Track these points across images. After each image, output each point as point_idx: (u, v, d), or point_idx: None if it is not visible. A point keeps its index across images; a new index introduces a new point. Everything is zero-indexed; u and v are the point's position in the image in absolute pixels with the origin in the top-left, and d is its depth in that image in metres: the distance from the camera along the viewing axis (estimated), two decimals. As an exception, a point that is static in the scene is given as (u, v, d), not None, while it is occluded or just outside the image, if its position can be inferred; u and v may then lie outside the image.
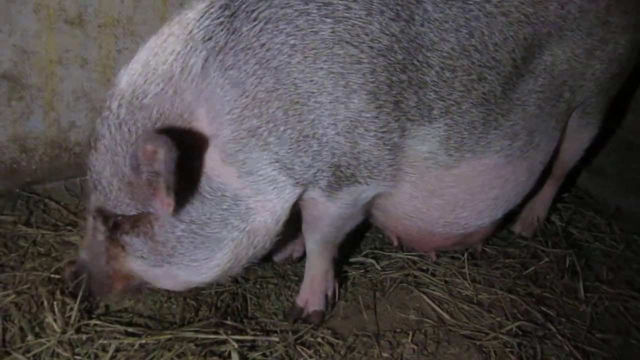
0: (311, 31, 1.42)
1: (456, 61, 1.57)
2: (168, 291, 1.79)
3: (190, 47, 1.41)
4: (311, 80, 1.44)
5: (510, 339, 1.80)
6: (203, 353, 1.55)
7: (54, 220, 2.06)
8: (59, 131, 2.16)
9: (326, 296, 1.84)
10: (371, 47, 1.46)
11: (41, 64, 2.02)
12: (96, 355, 1.53)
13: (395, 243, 2.08)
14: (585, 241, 2.42)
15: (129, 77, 1.43)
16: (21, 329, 1.57)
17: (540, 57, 1.73)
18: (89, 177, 1.50)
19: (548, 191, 2.36)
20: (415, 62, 1.53)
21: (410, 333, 1.78)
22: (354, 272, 2.04)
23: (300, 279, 1.92)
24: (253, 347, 1.64)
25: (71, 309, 1.62)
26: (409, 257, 2.15)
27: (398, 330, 1.82)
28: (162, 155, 1.27)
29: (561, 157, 2.19)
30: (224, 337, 1.61)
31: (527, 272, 2.15)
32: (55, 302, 1.65)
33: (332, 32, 1.43)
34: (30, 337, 1.55)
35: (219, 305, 1.79)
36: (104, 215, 1.51)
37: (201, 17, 1.42)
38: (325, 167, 1.53)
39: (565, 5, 1.72)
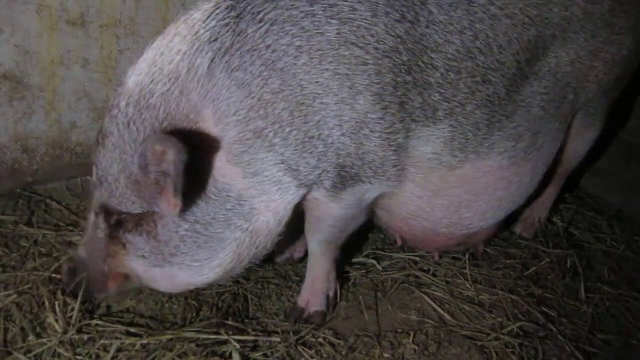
0: (317, 32, 1.43)
1: (461, 63, 1.58)
2: (169, 291, 1.79)
3: (196, 48, 1.41)
4: (317, 82, 1.44)
5: (511, 340, 1.80)
6: (204, 353, 1.55)
7: (55, 220, 2.06)
8: (60, 131, 2.16)
9: (327, 296, 1.84)
10: (376, 49, 1.47)
11: (43, 64, 2.02)
12: (97, 356, 1.53)
13: (400, 243, 2.08)
14: (586, 242, 2.42)
15: (136, 76, 1.44)
16: (22, 329, 1.57)
17: (544, 59, 1.74)
18: (95, 173, 1.50)
19: (550, 192, 2.36)
20: (420, 64, 1.53)
21: (412, 333, 1.78)
22: (355, 273, 2.04)
23: (301, 279, 1.92)
24: (254, 348, 1.64)
25: (72, 309, 1.62)
26: (410, 257, 2.15)
27: (399, 330, 1.81)
28: (172, 157, 1.28)
29: (563, 157, 2.19)
30: (225, 337, 1.61)
31: (528, 272, 2.15)
32: (56, 302, 1.65)
33: (338, 33, 1.44)
34: (31, 337, 1.55)
35: (220, 305, 1.79)
36: (107, 212, 1.51)
37: (207, 17, 1.42)
38: (330, 167, 1.54)
39: (569, 7, 1.72)
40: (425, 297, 1.96)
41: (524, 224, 2.40)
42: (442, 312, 1.90)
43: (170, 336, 1.60)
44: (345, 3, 1.44)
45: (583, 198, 2.75)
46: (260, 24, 1.42)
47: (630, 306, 2.06)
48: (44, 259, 1.86)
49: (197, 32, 1.42)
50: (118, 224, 1.52)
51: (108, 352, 1.53)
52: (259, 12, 1.42)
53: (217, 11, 1.42)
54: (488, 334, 1.82)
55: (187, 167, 1.31)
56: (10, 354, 1.50)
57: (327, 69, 1.44)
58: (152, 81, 1.42)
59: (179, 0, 2.20)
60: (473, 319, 1.90)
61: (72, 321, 1.59)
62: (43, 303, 1.64)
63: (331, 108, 1.47)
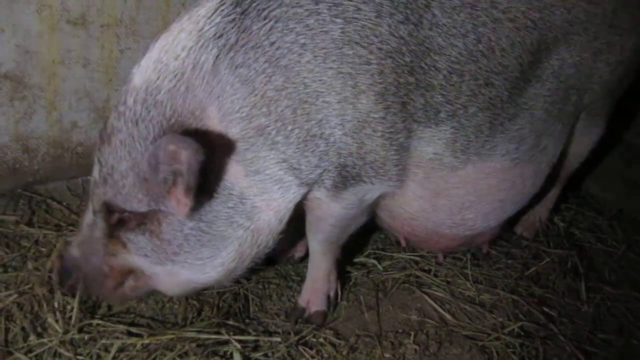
0: (321, 31, 1.43)
1: (463, 66, 1.58)
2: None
3: (201, 44, 1.41)
4: (320, 80, 1.44)
5: (512, 340, 1.80)
6: (205, 353, 1.55)
7: (56, 221, 2.06)
8: (61, 131, 2.16)
9: (328, 297, 1.84)
10: (380, 49, 1.47)
11: (43, 64, 2.02)
12: (98, 356, 1.53)
13: (404, 244, 2.09)
14: (587, 242, 2.42)
15: (142, 73, 1.43)
16: (23, 329, 1.57)
17: (547, 61, 1.74)
18: (99, 171, 1.48)
19: (551, 192, 2.36)
20: (423, 65, 1.53)
21: (412, 333, 1.78)
22: (356, 273, 2.04)
23: (302, 279, 1.92)
24: (255, 348, 1.64)
25: (73, 309, 1.62)
26: (411, 257, 2.15)
27: (400, 330, 1.82)
28: (185, 157, 1.27)
29: (566, 159, 2.19)
30: (226, 337, 1.61)
31: (529, 272, 2.15)
32: (57, 302, 1.65)
33: (342, 32, 1.44)
34: (32, 337, 1.54)
35: (221, 305, 1.79)
36: (110, 210, 1.50)
37: (212, 14, 1.42)
38: (331, 167, 1.53)
39: (571, 9, 1.72)
40: (426, 297, 1.96)
41: (525, 224, 2.40)
42: (443, 312, 1.91)
43: (172, 336, 1.59)
44: (350, 3, 1.44)
45: (584, 198, 2.75)
46: (265, 21, 1.42)
47: (631, 306, 2.06)
48: (45, 259, 1.85)
49: (202, 29, 1.41)
50: (120, 222, 1.51)
51: (109, 352, 1.53)
52: (264, 9, 1.42)
53: (223, 7, 1.42)
54: (489, 334, 1.82)
55: (201, 167, 1.30)
56: (11, 354, 1.50)
57: (331, 68, 1.44)
58: (158, 78, 1.41)
59: (180, 0, 2.20)
60: (474, 319, 1.90)
61: (73, 321, 1.59)
62: (44, 303, 1.64)
63: (334, 107, 1.47)
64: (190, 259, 1.53)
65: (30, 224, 2.01)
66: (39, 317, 1.62)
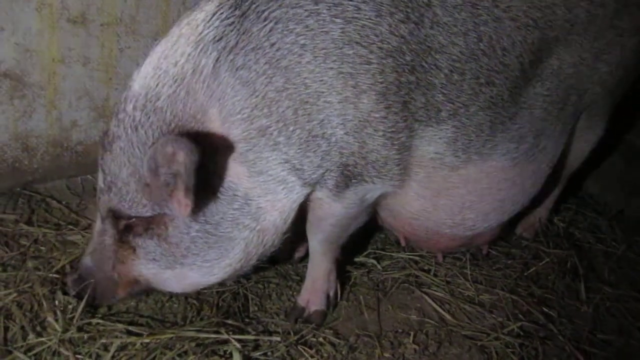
0: (321, 31, 1.43)
1: (464, 65, 1.58)
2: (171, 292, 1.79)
3: (201, 48, 1.41)
4: (321, 80, 1.44)
5: (511, 340, 1.80)
6: (205, 352, 1.55)
7: (56, 219, 2.06)
8: (60, 130, 2.16)
9: (328, 296, 1.84)
10: (380, 48, 1.47)
11: (43, 63, 2.02)
12: (98, 355, 1.53)
13: (404, 244, 2.09)
14: (586, 242, 2.42)
15: (141, 79, 1.44)
16: (22, 328, 1.57)
17: (547, 61, 1.74)
18: (103, 179, 1.50)
19: (551, 193, 2.36)
20: (424, 64, 1.53)
21: (412, 333, 1.78)
22: (355, 272, 2.04)
23: (301, 278, 1.92)
24: (255, 347, 1.64)
25: (74, 309, 1.61)
26: (411, 257, 2.15)
27: (400, 330, 1.82)
28: (182, 158, 1.28)
29: (566, 159, 2.19)
30: (225, 336, 1.61)
31: (528, 272, 2.15)
32: (56, 301, 1.65)
33: (342, 32, 1.44)
34: (31, 336, 1.54)
35: (220, 305, 1.79)
36: (116, 216, 1.51)
37: (211, 17, 1.42)
38: (333, 167, 1.54)
39: (572, 9, 1.72)
40: (426, 297, 1.96)
41: (524, 224, 2.40)
42: (442, 312, 1.91)
43: (171, 335, 1.59)
44: (350, 2, 1.44)
45: (583, 198, 2.75)
46: (265, 23, 1.42)
47: (631, 307, 2.06)
48: (44, 258, 1.85)
49: (201, 33, 1.42)
50: (127, 228, 1.52)
51: (108, 351, 1.53)
52: (263, 11, 1.42)
53: (221, 11, 1.42)
54: (488, 334, 1.83)
55: (198, 167, 1.30)
56: (10, 352, 1.49)
57: (331, 68, 1.44)
58: (157, 84, 1.42)
59: (180, -2, 2.20)
60: (473, 319, 1.90)
61: (73, 320, 1.59)
62: (44, 302, 1.64)
63: (335, 107, 1.47)
64: (199, 261, 1.54)
65: (29, 222, 2.01)
66: (38, 316, 1.61)
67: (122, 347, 1.56)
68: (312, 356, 1.63)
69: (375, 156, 1.57)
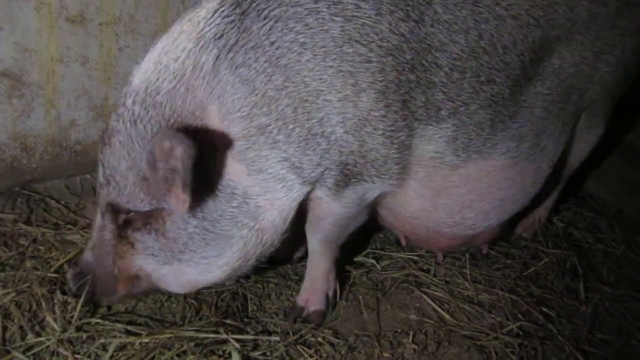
0: (321, 30, 1.43)
1: (465, 63, 1.58)
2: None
3: (201, 45, 1.41)
4: (320, 79, 1.44)
5: (511, 340, 1.80)
6: (203, 352, 1.55)
7: (54, 219, 2.06)
8: (59, 129, 2.15)
9: (327, 296, 1.84)
10: (380, 47, 1.46)
11: (42, 62, 2.02)
12: (96, 355, 1.53)
13: (404, 243, 2.09)
14: (586, 242, 2.42)
15: (142, 74, 1.44)
16: (21, 327, 1.57)
17: (548, 60, 1.73)
18: (102, 172, 1.50)
19: (551, 193, 2.35)
20: (424, 63, 1.53)
21: (411, 333, 1.78)
22: (354, 272, 2.04)
23: (300, 278, 1.92)
24: (254, 347, 1.64)
25: (73, 308, 1.61)
26: (410, 257, 2.15)
27: (399, 330, 1.81)
28: (180, 153, 1.28)
29: (566, 159, 2.18)
30: (224, 336, 1.61)
31: (527, 272, 2.15)
32: (55, 301, 1.64)
33: (342, 30, 1.44)
34: (30, 336, 1.54)
35: (219, 304, 1.79)
36: (115, 211, 1.51)
37: (212, 15, 1.42)
38: (333, 165, 1.54)
39: (574, 8, 1.71)
40: (425, 297, 1.96)
41: (524, 224, 2.40)
42: (441, 311, 1.91)
43: (170, 335, 1.59)
44: (349, 1, 1.44)
45: (583, 198, 2.75)
46: (265, 21, 1.42)
47: (630, 306, 2.06)
48: (43, 258, 1.85)
49: (202, 30, 1.42)
50: (126, 223, 1.53)
51: (107, 351, 1.53)
52: (263, 9, 1.42)
53: (223, 8, 1.43)
54: (488, 334, 1.82)
55: (196, 163, 1.30)
56: (9, 352, 1.49)
57: (331, 66, 1.44)
58: (158, 79, 1.42)
59: (179, -3, 2.19)
60: (473, 318, 1.90)
61: (72, 320, 1.58)
62: (42, 302, 1.63)
63: (334, 105, 1.47)
64: (196, 257, 1.54)
65: (28, 222, 2.01)
66: (37, 315, 1.61)
67: (121, 347, 1.56)
68: (311, 356, 1.63)
69: (375, 155, 1.56)
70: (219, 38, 1.41)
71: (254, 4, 1.43)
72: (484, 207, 1.85)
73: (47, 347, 1.51)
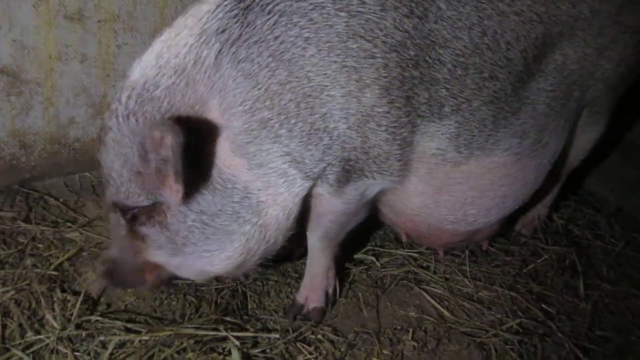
0: (325, 25, 1.42)
1: (468, 59, 1.57)
2: (169, 287, 1.78)
3: (203, 40, 1.41)
4: (324, 74, 1.44)
5: (510, 337, 1.80)
6: (203, 350, 1.55)
7: (54, 217, 2.06)
8: (58, 127, 2.15)
9: (327, 293, 1.83)
10: (384, 42, 1.46)
11: (40, 59, 2.01)
12: (96, 352, 1.53)
13: (405, 239, 2.08)
14: (585, 239, 2.42)
15: (141, 69, 1.43)
16: (20, 325, 1.57)
17: (551, 56, 1.73)
18: (102, 172, 1.51)
19: (551, 190, 2.35)
20: (428, 59, 1.53)
21: (411, 330, 1.78)
22: (354, 269, 2.04)
23: (300, 276, 1.92)
24: (253, 344, 1.64)
25: (72, 306, 1.62)
26: (410, 254, 2.15)
27: (398, 327, 1.81)
28: (169, 141, 1.27)
29: (567, 156, 2.18)
30: (224, 334, 1.61)
31: (527, 269, 2.15)
32: (55, 299, 1.65)
33: (347, 26, 1.43)
34: (29, 334, 1.54)
35: (219, 302, 1.79)
36: (119, 208, 1.52)
37: (215, 9, 1.42)
38: (335, 161, 1.53)
39: (577, 4, 1.71)
40: (425, 294, 1.96)
41: (523, 221, 2.40)
42: (441, 309, 1.90)
43: (169, 333, 1.59)
44: None
45: (582, 196, 2.75)
46: (269, 16, 1.42)
47: (629, 303, 2.07)
48: (42, 256, 1.85)
49: (204, 24, 1.42)
50: (133, 218, 1.53)
51: (107, 348, 1.53)
52: (268, 4, 1.42)
53: (226, 3, 1.42)
54: (487, 331, 1.83)
55: (189, 152, 1.30)
56: (8, 350, 1.49)
57: (335, 62, 1.44)
58: (157, 74, 1.41)
59: (178, -5, 2.19)
60: (472, 316, 1.90)
61: (71, 318, 1.59)
62: (42, 299, 1.63)
63: (338, 101, 1.47)
64: (198, 250, 1.54)
65: (27, 220, 2.01)
66: (36, 313, 1.61)
67: (121, 345, 1.56)
68: (310, 353, 1.63)
69: (377, 151, 1.56)
70: (221, 32, 1.41)
71: None
72: (486, 203, 1.85)
73: (47, 344, 1.52)
